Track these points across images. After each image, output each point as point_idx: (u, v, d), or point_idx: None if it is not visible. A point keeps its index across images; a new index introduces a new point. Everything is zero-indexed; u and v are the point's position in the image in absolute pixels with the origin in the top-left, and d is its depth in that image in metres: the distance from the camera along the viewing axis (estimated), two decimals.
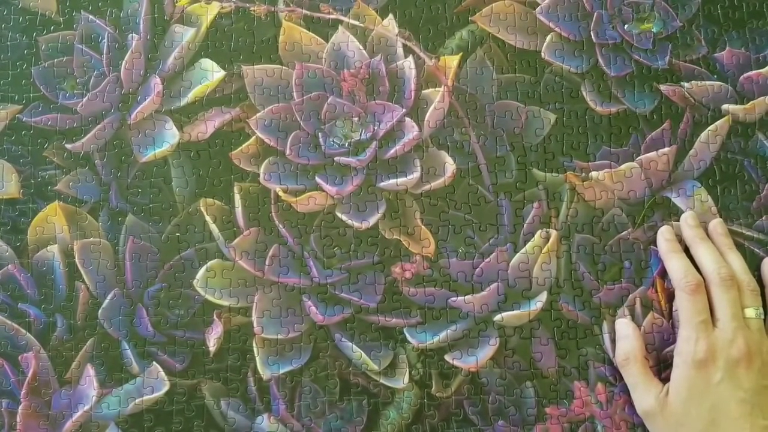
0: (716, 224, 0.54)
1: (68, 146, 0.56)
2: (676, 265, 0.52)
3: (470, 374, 0.53)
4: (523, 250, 0.54)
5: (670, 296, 0.53)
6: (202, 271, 0.54)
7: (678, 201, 0.55)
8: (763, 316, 0.51)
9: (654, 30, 0.57)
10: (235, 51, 0.57)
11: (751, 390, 0.48)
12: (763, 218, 0.55)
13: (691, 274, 0.51)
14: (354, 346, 0.54)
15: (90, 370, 0.53)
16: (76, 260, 0.55)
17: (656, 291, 0.54)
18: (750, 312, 0.50)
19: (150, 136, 0.56)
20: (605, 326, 0.53)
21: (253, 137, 0.56)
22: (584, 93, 0.56)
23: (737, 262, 0.52)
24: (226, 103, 0.57)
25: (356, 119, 0.56)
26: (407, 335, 0.54)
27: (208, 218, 0.55)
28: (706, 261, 0.52)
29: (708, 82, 0.56)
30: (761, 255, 0.54)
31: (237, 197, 0.55)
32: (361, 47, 0.57)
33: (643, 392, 0.50)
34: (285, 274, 0.54)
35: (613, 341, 0.53)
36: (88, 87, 0.57)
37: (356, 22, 0.57)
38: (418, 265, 0.54)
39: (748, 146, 0.56)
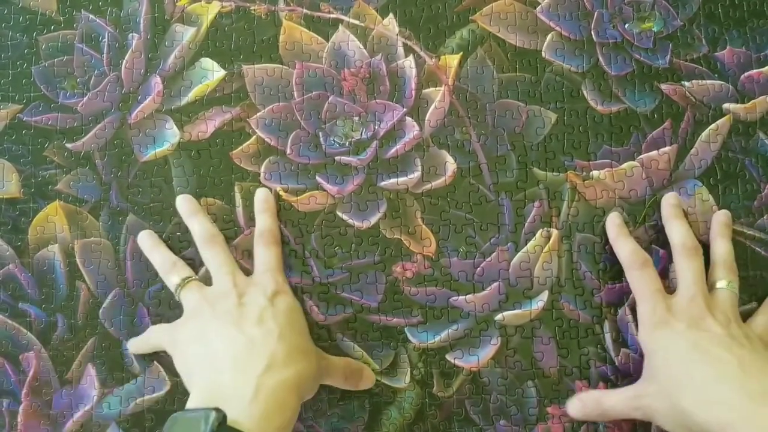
0: (721, 213, 0.54)
1: (69, 146, 0.56)
2: (625, 248, 0.52)
3: (471, 374, 0.53)
4: (524, 250, 0.54)
5: None
6: (203, 270, 0.54)
7: None
8: (735, 292, 0.50)
9: (655, 29, 0.57)
10: (235, 50, 0.57)
11: (725, 334, 0.46)
12: (765, 217, 0.55)
13: (639, 253, 0.51)
14: (355, 345, 0.54)
15: (91, 370, 0.53)
16: (77, 260, 0.55)
17: None
18: (720, 283, 0.50)
19: (150, 135, 0.56)
20: (606, 325, 0.53)
21: (254, 137, 0.56)
22: (585, 92, 0.56)
23: (723, 247, 0.52)
24: (227, 103, 0.57)
25: (357, 118, 0.56)
26: (408, 335, 0.54)
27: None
28: (675, 234, 0.52)
29: (709, 81, 0.56)
30: (763, 254, 0.54)
31: (238, 196, 0.55)
32: (361, 46, 0.57)
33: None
34: (286, 273, 0.54)
35: (615, 341, 0.53)
36: (89, 86, 0.57)
37: (357, 22, 0.57)
38: (419, 265, 0.54)
39: (749, 145, 0.56)
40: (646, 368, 0.49)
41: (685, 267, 0.50)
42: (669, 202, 0.54)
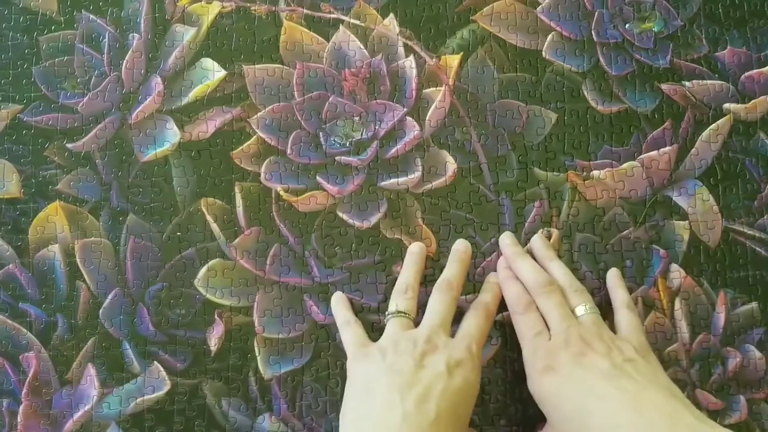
0: (534, 239, 0.54)
1: (69, 146, 0.56)
2: (510, 291, 0.52)
3: None
4: (524, 250, 0.54)
5: (672, 295, 0.53)
6: (203, 270, 0.54)
7: (679, 200, 0.55)
8: (596, 311, 0.50)
9: (655, 29, 0.57)
10: (236, 50, 0.57)
11: (609, 366, 0.46)
12: (765, 217, 0.55)
13: (523, 296, 0.51)
14: None
15: (91, 370, 0.53)
16: (77, 260, 0.55)
17: (658, 290, 0.54)
18: (579, 310, 0.50)
19: (151, 135, 0.56)
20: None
21: (254, 137, 0.56)
22: (585, 92, 0.56)
23: (558, 270, 0.52)
24: (227, 103, 0.57)
25: (357, 119, 0.56)
26: None
27: (209, 218, 0.55)
28: (525, 274, 0.51)
29: (709, 81, 0.56)
30: (763, 254, 0.54)
31: (238, 197, 0.55)
32: (362, 47, 0.57)
33: None
34: (286, 273, 0.54)
35: None
36: (89, 86, 0.57)
37: (357, 22, 0.57)
38: None
39: (750, 145, 0.56)
40: (546, 417, 0.48)
41: (549, 305, 0.50)
42: (505, 242, 0.54)
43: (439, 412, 0.45)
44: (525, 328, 0.50)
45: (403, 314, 0.50)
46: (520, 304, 0.50)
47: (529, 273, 0.51)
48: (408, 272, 0.53)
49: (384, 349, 0.48)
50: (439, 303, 0.51)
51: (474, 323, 0.50)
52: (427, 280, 0.54)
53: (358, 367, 0.49)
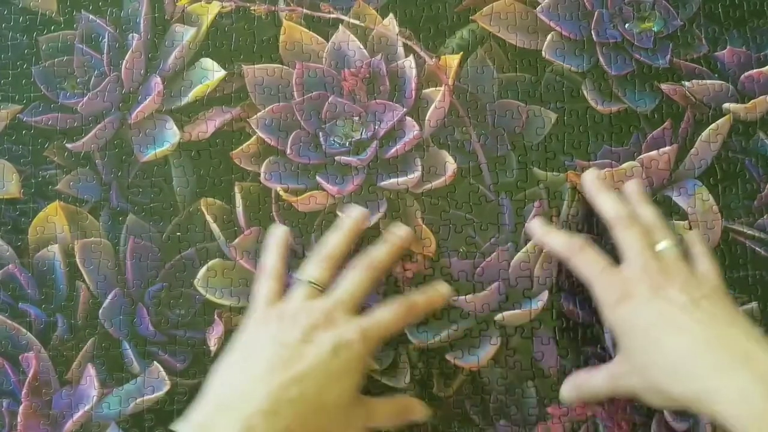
0: (630, 183, 0.53)
1: (69, 146, 0.56)
2: (557, 239, 0.51)
3: (471, 374, 0.53)
4: (524, 250, 0.54)
5: None
6: (203, 270, 0.54)
7: (679, 200, 0.55)
8: (679, 248, 0.49)
9: (655, 29, 0.57)
10: (235, 50, 0.57)
11: (687, 300, 0.45)
12: (765, 217, 0.55)
13: (575, 239, 0.50)
14: None
15: (91, 370, 0.53)
16: (77, 260, 0.55)
17: None
18: (661, 245, 0.49)
19: (150, 135, 0.56)
20: (606, 325, 0.53)
21: (254, 137, 0.56)
22: (585, 92, 0.56)
23: (649, 211, 0.51)
24: (227, 103, 0.57)
25: (357, 119, 0.56)
26: (408, 335, 0.54)
27: (208, 218, 0.55)
28: (605, 207, 0.51)
29: (709, 81, 0.56)
30: (763, 254, 0.54)
31: (238, 197, 0.55)
32: (361, 46, 0.57)
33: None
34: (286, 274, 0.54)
35: (615, 341, 0.53)
36: (89, 86, 0.57)
37: (357, 22, 0.57)
38: (419, 265, 0.54)
39: (749, 145, 0.56)
40: (618, 347, 0.48)
41: (628, 237, 0.49)
42: (589, 177, 0.53)
43: (303, 395, 0.44)
44: (588, 266, 0.49)
45: (312, 284, 0.49)
46: (574, 247, 0.50)
47: (610, 206, 0.51)
48: (336, 238, 0.51)
49: (281, 316, 0.47)
50: (351, 279, 0.49)
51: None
52: (426, 279, 0.54)
53: (253, 327, 0.48)
